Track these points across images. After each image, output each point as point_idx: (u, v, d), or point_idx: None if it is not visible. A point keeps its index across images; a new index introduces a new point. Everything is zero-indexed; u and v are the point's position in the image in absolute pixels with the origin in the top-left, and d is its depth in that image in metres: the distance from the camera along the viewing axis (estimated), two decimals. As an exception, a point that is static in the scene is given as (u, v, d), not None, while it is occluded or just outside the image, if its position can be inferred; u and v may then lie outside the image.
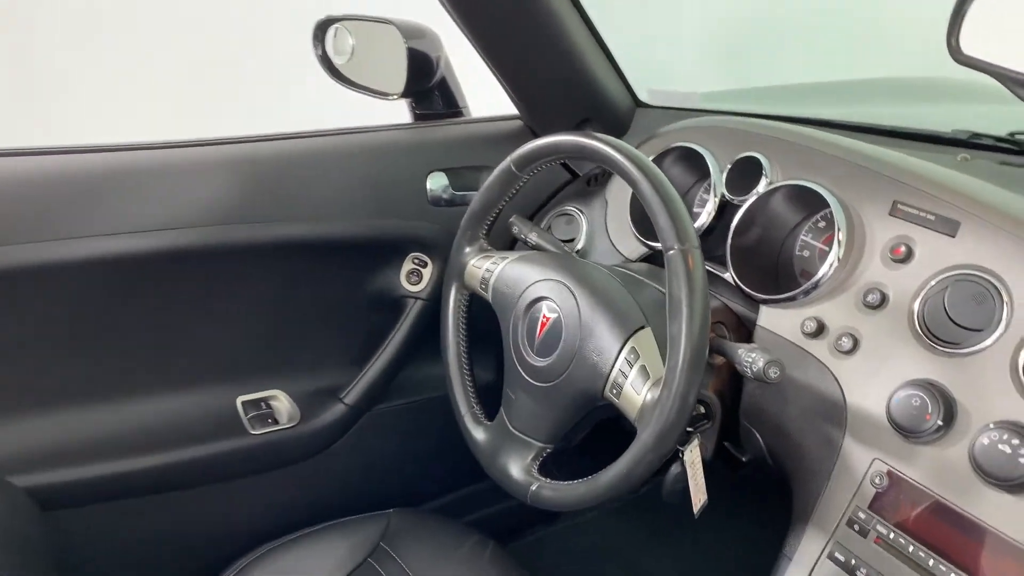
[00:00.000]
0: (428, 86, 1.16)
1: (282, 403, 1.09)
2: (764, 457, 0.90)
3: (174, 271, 0.97)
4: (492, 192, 0.93)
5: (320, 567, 1.03)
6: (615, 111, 1.20)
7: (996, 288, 0.72)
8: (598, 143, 0.80)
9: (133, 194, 0.93)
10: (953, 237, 0.77)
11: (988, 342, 0.71)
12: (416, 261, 1.13)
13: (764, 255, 0.93)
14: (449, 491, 1.31)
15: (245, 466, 1.06)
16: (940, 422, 0.70)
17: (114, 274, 0.93)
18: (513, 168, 0.90)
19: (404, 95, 1.16)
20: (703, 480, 0.87)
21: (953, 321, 0.74)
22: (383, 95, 1.16)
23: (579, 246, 1.09)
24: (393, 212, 1.11)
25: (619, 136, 1.22)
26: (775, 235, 0.93)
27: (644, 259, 1.04)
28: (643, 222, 1.03)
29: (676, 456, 0.85)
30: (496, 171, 0.92)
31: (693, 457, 0.86)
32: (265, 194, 1.01)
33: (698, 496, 0.87)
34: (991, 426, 0.67)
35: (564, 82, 1.15)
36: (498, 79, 1.13)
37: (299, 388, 1.11)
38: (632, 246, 1.04)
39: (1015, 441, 0.65)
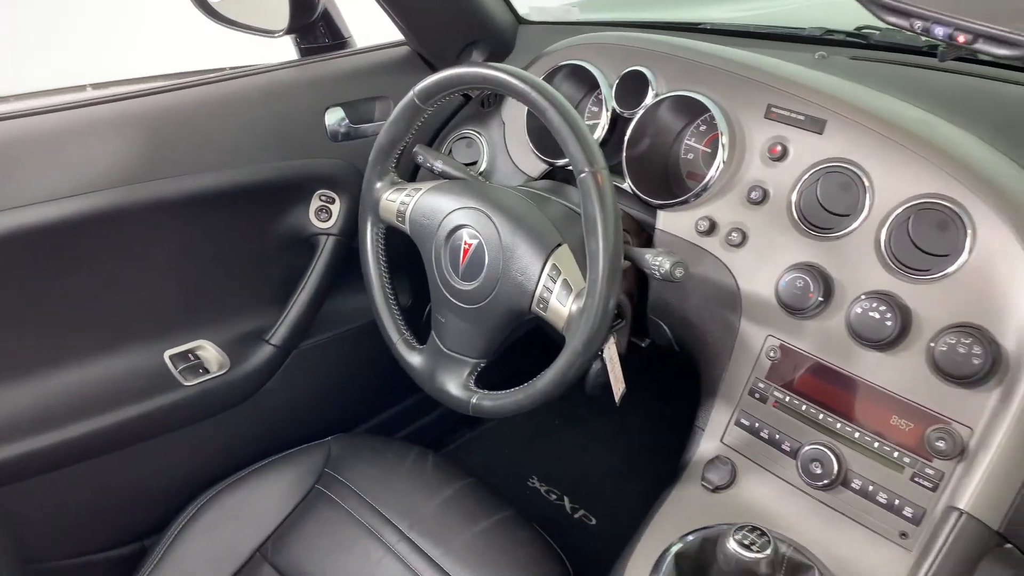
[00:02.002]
0: (311, 20, 1.15)
1: (209, 352, 1.10)
2: (672, 345, 1.01)
3: (85, 236, 0.95)
4: (398, 126, 0.96)
5: (269, 501, 1.09)
6: (499, 30, 1.23)
7: (859, 177, 0.83)
8: (503, 75, 0.84)
9: (31, 163, 0.90)
10: (821, 134, 0.87)
11: (855, 224, 0.82)
12: (323, 198, 1.15)
13: (656, 163, 1.00)
14: (380, 412, 1.37)
15: (182, 418, 1.09)
16: (821, 298, 0.82)
17: (24, 246, 0.91)
18: (417, 102, 0.93)
19: (288, 31, 1.14)
20: (621, 372, 0.97)
21: (825, 209, 0.84)
22: (267, 33, 1.14)
23: (482, 168, 1.14)
24: (294, 152, 1.11)
25: (506, 55, 1.26)
26: (664, 143, 1.01)
27: (546, 175, 1.10)
28: (542, 141, 1.08)
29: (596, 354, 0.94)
30: (400, 106, 0.94)
31: (611, 353, 0.95)
32: (165, 149, 0.99)
33: (618, 386, 0.97)
34: (862, 297, 0.79)
35: (448, 5, 1.16)
36: (382, 6, 1.13)
37: (225, 335, 1.12)
38: (533, 164, 1.10)
39: (882, 307, 0.77)
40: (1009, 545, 0.71)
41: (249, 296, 1.15)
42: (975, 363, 0.72)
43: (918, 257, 0.78)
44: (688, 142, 1.01)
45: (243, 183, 1.06)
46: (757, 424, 0.88)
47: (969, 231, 0.75)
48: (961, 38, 0.58)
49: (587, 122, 1.07)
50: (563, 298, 0.83)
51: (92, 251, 0.97)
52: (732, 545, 0.70)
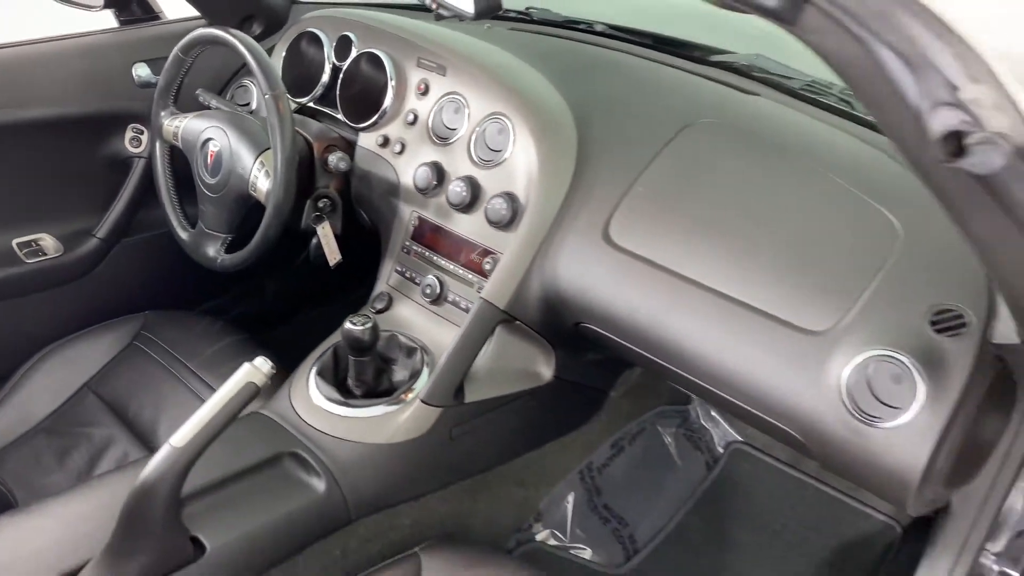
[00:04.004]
0: (125, -3, 1.55)
1: (48, 242, 1.50)
2: (367, 224, 1.44)
3: None
4: (170, 72, 1.37)
5: (95, 352, 1.48)
6: (272, 8, 1.64)
7: (464, 102, 1.27)
8: (223, 33, 1.25)
9: None
10: (444, 76, 1.30)
11: (460, 135, 1.26)
12: (135, 130, 1.55)
13: (359, 99, 1.43)
14: (195, 303, 1.77)
15: (22, 288, 1.47)
16: (435, 182, 1.26)
17: None
18: (180, 54, 1.34)
19: (106, 6, 1.53)
20: (335, 246, 1.39)
21: (446, 126, 1.28)
22: (86, 7, 1.53)
23: (253, 107, 1.55)
24: (114, 96, 1.51)
25: (279, 28, 1.67)
26: (365, 84, 1.43)
27: (298, 111, 1.52)
28: (291, 88, 1.50)
29: (315, 233, 1.37)
30: (170, 57, 1.35)
31: (325, 232, 1.38)
32: (6, 89, 1.38)
33: (332, 256, 1.40)
34: (456, 179, 1.23)
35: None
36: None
37: (61, 231, 1.52)
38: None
39: (463, 185, 1.21)
40: (517, 321, 1.16)
41: (81, 202, 1.54)
42: (502, 212, 1.16)
43: (488, 153, 1.22)
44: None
45: (71, 115, 1.46)
46: (403, 269, 1.32)
47: (512, 134, 1.20)
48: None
49: (322, 73, 1.49)
50: (264, 183, 1.25)
51: None
52: (347, 325, 1.12)
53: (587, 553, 1.38)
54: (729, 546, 1.45)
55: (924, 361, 0.86)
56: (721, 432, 1.59)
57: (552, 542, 1.37)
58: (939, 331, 0.87)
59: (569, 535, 1.38)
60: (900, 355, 0.87)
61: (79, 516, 0.95)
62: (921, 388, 0.85)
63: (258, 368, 0.89)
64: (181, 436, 0.86)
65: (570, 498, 1.40)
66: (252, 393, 0.89)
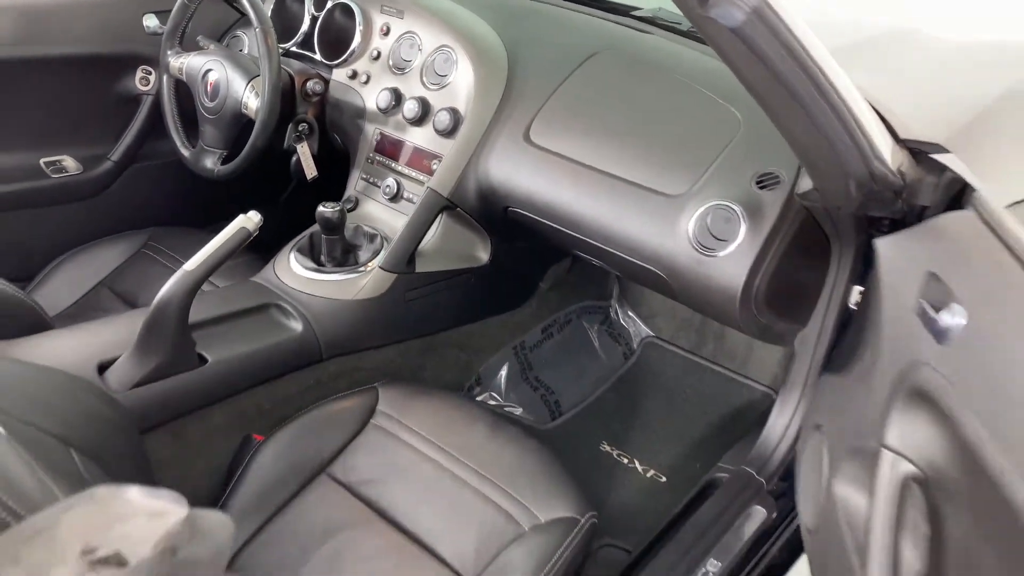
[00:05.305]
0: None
1: (69, 162, 1.78)
2: (339, 147, 1.74)
3: None
4: (177, 17, 1.65)
5: (105, 260, 1.75)
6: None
7: (418, 39, 1.57)
8: None
9: None
10: (402, 19, 1.60)
11: (415, 65, 1.56)
12: (144, 71, 1.83)
13: (333, 41, 1.72)
14: (195, 225, 2.05)
15: (46, 199, 1.75)
16: (394, 102, 1.55)
17: None
18: (185, 0, 1.63)
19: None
20: (312, 163, 1.69)
21: (403, 59, 1.58)
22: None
23: (245, 52, 1.84)
24: (126, 40, 1.80)
25: (267, -13, 1.96)
26: (338, 28, 1.72)
27: (284, 54, 1.81)
28: (278, 35, 1.79)
29: (296, 151, 1.66)
30: (176, 4, 1.64)
31: (304, 150, 1.67)
32: (34, 26, 1.66)
33: (309, 172, 1.69)
34: (410, 99, 1.52)
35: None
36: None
37: (80, 153, 1.80)
38: (272, 48, 1.81)
39: (416, 103, 1.50)
40: (457, 208, 1.46)
41: (99, 131, 1.82)
42: (447, 122, 1.46)
43: (436, 78, 1.52)
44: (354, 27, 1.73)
45: (89, 54, 1.74)
46: (368, 176, 1.61)
47: (456, 62, 1.50)
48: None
49: (304, 20, 1.78)
50: (253, 102, 1.54)
51: None
52: (320, 208, 1.41)
53: (519, 411, 1.68)
54: (640, 413, 1.75)
55: (747, 207, 1.17)
56: (636, 329, 1.90)
57: (491, 402, 1.66)
58: (761, 187, 1.18)
59: (504, 397, 1.68)
60: (731, 204, 1.17)
61: (111, 331, 1.23)
62: (743, 226, 1.16)
63: (250, 218, 1.18)
64: (192, 262, 1.15)
65: (505, 368, 1.70)
66: (245, 236, 1.18)
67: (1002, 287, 0.67)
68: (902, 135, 0.93)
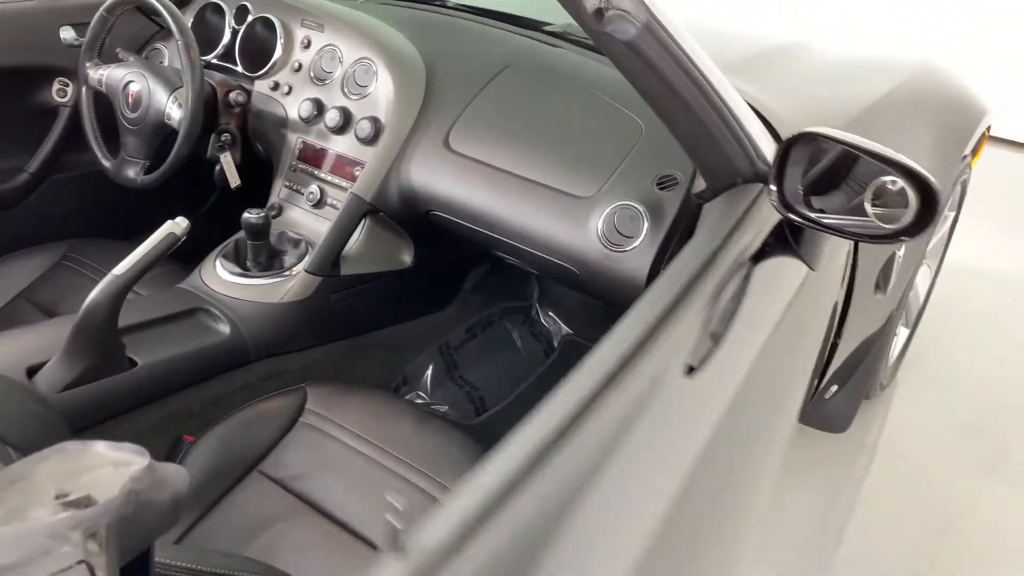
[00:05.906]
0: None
1: (-15, 175, 1.77)
2: (262, 155, 1.77)
3: None
4: (96, 29, 1.67)
5: (23, 271, 1.73)
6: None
7: (339, 49, 1.62)
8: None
9: None
10: (323, 32, 1.66)
11: (336, 75, 1.61)
12: (61, 83, 1.83)
13: (255, 53, 1.76)
14: (120, 237, 2.05)
15: None
16: (315, 112, 1.60)
17: None
18: (104, 13, 1.64)
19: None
20: (236, 172, 1.72)
21: (324, 70, 1.63)
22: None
23: (166, 63, 1.86)
24: (42, 53, 1.80)
25: (187, 2, 1.98)
26: (259, 41, 1.76)
27: (205, 66, 1.83)
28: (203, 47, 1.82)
29: (219, 162, 1.69)
30: (96, 16, 1.66)
31: (227, 160, 1.70)
32: None
33: (233, 180, 1.72)
34: (331, 108, 1.58)
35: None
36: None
37: (-2, 167, 1.79)
38: (193, 61, 1.84)
39: (337, 112, 1.56)
40: (380, 213, 1.52)
41: (15, 143, 1.81)
42: (368, 130, 1.52)
43: (357, 88, 1.58)
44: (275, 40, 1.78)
45: (4, 66, 1.73)
46: (291, 184, 1.66)
47: (376, 73, 1.56)
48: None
49: (222, 34, 1.82)
50: (177, 113, 1.57)
51: None
52: (245, 215, 1.45)
53: (445, 408, 1.74)
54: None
55: (649, 207, 1.27)
56: (556, 328, 1.99)
57: (418, 400, 1.72)
58: (661, 188, 1.29)
59: (430, 395, 1.74)
60: (635, 204, 1.27)
61: (37, 336, 1.25)
62: (646, 223, 1.26)
63: (177, 223, 1.22)
64: (120, 267, 1.18)
65: (430, 367, 1.77)
66: (173, 240, 1.21)
67: None
68: (784, 135, 1.05)
